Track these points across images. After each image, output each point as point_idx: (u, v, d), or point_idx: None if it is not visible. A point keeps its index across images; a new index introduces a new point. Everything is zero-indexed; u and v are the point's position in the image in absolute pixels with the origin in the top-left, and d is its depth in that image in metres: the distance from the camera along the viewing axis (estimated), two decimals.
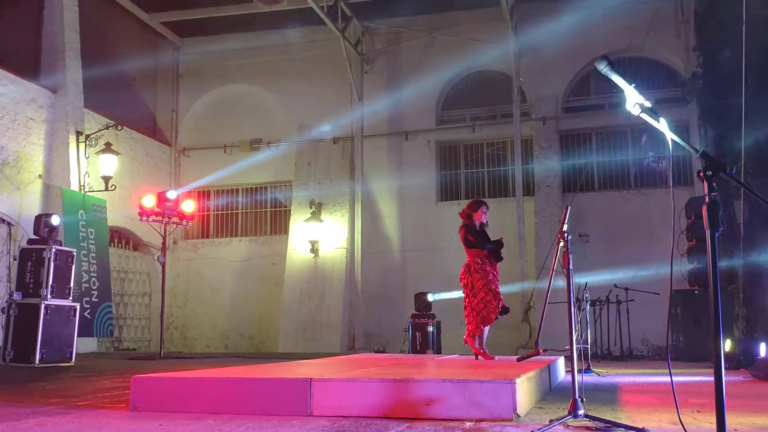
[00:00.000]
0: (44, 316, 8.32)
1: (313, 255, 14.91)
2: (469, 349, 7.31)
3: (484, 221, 7.29)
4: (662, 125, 2.62)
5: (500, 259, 7.21)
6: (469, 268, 7.11)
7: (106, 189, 12.71)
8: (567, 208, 3.95)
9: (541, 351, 5.24)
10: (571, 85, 14.82)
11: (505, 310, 7.13)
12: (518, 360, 6.17)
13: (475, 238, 7.12)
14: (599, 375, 7.43)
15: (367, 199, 15.28)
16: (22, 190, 11.82)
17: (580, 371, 3.60)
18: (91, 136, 12.89)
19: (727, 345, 6.71)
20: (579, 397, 3.45)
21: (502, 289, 7.26)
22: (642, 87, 2.66)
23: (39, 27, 12.91)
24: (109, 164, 12.80)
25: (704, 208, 2.27)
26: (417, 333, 11.76)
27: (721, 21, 11.85)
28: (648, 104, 2.56)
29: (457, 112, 15.45)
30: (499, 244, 7.16)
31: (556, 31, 14.37)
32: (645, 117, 2.54)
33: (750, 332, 9.05)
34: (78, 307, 9.07)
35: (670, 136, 2.60)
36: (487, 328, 7.13)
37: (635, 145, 14.18)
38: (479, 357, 7.06)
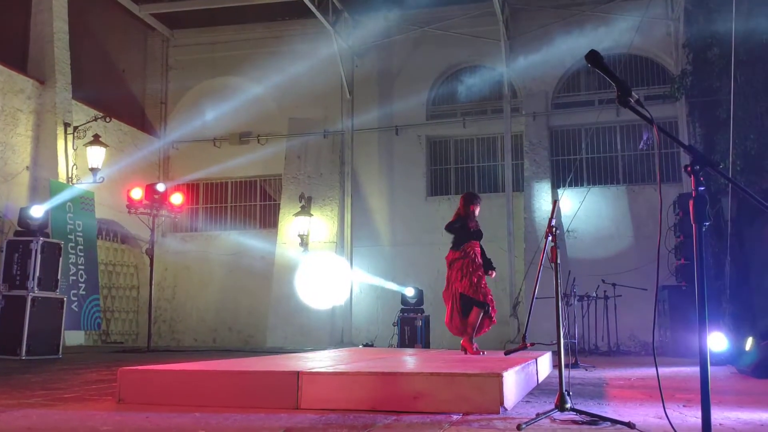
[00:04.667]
0: (31, 308, 8.27)
1: (302, 249, 14.89)
2: (458, 344, 7.26)
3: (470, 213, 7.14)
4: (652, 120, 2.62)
5: (480, 235, 7.07)
6: (471, 259, 6.93)
7: (94, 181, 12.63)
8: (556, 204, 3.96)
9: (528, 345, 5.25)
10: (561, 81, 14.85)
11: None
12: (506, 354, 6.18)
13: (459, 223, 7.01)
14: (586, 369, 7.47)
15: (357, 194, 15.27)
16: (10, 181, 11.72)
17: (567, 366, 3.62)
18: (80, 128, 12.80)
19: (748, 344, 6.62)
20: (566, 391, 3.46)
21: (491, 284, 7.18)
22: (631, 83, 2.67)
23: (27, 16, 12.78)
24: (97, 156, 12.69)
25: (691, 201, 2.28)
26: (405, 327, 11.81)
27: (711, 18, 11.92)
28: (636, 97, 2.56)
29: (447, 108, 15.44)
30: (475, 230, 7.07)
31: (547, 28, 14.44)
32: (634, 110, 2.54)
33: (736, 328, 9.13)
34: (65, 299, 9.03)
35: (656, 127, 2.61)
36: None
37: (628, 142, 14.23)
38: (467, 351, 7.04)
